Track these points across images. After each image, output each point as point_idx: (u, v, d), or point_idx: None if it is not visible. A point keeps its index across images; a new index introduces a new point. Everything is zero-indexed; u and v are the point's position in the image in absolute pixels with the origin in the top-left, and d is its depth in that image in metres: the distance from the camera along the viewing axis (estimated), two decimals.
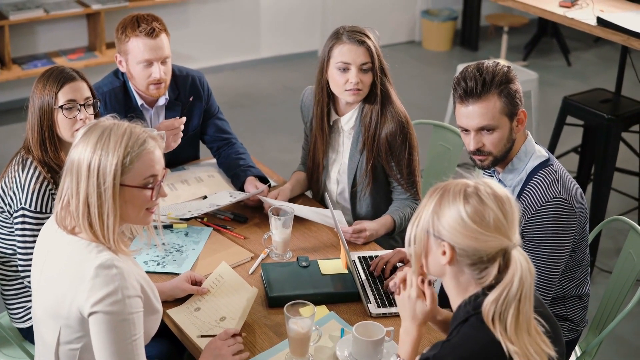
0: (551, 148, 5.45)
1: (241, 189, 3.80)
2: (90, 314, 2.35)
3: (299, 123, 3.92)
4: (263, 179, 3.84)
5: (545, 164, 3.00)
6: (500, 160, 2.99)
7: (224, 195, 3.71)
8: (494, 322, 2.16)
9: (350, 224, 3.50)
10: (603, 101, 5.19)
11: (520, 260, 2.17)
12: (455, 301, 2.31)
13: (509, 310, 2.15)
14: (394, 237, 3.70)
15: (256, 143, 6.48)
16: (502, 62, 3.04)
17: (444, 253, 2.23)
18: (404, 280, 2.44)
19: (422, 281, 2.40)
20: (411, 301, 2.41)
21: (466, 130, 2.97)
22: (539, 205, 2.91)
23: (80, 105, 3.18)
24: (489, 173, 3.15)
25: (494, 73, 2.91)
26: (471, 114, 2.93)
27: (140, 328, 2.42)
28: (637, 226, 3.33)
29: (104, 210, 2.39)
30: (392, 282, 2.48)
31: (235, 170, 3.88)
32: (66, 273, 2.42)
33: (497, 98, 2.90)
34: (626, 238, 3.40)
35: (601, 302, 3.45)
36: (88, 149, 2.39)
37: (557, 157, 5.55)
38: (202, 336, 2.83)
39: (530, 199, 2.93)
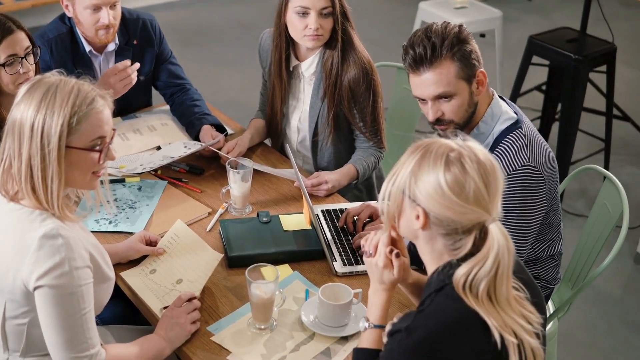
0: (516, 89, 5.34)
1: (196, 138, 3.61)
2: (36, 288, 2.20)
3: (254, 61, 3.76)
4: (220, 128, 3.66)
5: (513, 127, 2.83)
6: (464, 127, 2.80)
7: (178, 146, 3.51)
8: (466, 293, 2.03)
9: (311, 174, 3.35)
10: (569, 41, 5.08)
11: (497, 236, 2.03)
12: (430, 266, 2.18)
13: (480, 285, 2.02)
14: (357, 187, 3.56)
15: (210, 83, 6.28)
16: (456, 20, 2.85)
17: (418, 217, 2.10)
18: (376, 246, 2.30)
19: (391, 251, 2.26)
20: (378, 269, 2.28)
21: (423, 100, 2.80)
22: (507, 174, 2.74)
23: (22, 58, 3.00)
24: None
25: (443, 36, 2.71)
26: (425, 82, 2.75)
27: (90, 301, 2.27)
28: (612, 175, 3.20)
29: (47, 174, 2.22)
30: (363, 240, 2.33)
31: (190, 118, 3.69)
32: (8, 244, 2.26)
33: (450, 62, 2.72)
34: (592, 180, 3.27)
35: (573, 255, 3.34)
36: (31, 108, 2.21)
37: (521, 95, 5.46)
38: (165, 307, 2.66)
39: None
